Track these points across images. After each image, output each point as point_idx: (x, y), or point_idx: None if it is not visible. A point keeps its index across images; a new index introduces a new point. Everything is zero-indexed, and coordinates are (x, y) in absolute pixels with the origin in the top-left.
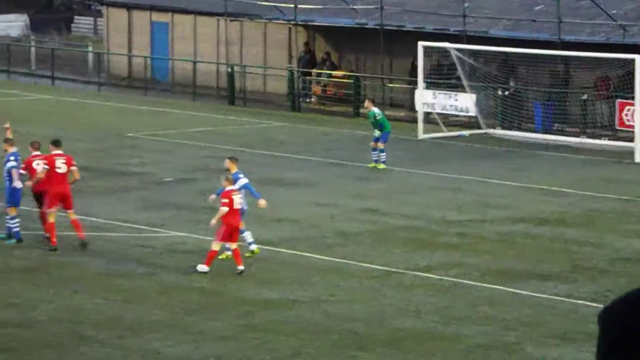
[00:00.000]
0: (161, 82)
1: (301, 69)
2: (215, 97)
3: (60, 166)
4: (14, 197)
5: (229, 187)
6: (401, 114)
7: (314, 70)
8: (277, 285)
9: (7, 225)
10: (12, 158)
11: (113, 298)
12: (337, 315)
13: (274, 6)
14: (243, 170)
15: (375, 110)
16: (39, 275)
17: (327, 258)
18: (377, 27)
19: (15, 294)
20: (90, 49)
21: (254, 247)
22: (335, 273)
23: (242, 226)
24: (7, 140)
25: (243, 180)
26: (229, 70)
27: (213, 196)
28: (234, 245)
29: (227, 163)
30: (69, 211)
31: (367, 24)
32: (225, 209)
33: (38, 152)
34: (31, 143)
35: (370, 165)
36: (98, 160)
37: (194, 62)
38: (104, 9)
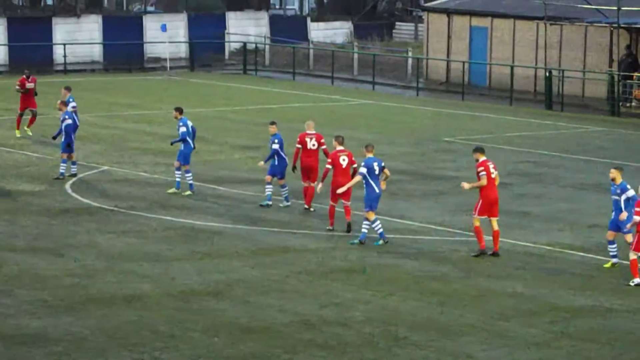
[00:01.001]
0: (478, 86)
1: (622, 73)
2: (533, 102)
3: (493, 172)
4: (371, 201)
5: None
6: None
7: (636, 74)
8: (592, 292)
9: (364, 230)
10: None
11: (428, 300)
12: None
13: (596, 9)
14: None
15: None
16: (356, 276)
17: None
18: None
19: (335, 293)
20: (409, 54)
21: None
22: None
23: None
24: (367, 147)
25: (631, 192)
26: (547, 74)
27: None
28: None
29: (614, 172)
30: (493, 219)
31: None
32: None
33: (342, 147)
34: (335, 137)
35: None
36: (415, 164)
37: (512, 67)
38: (424, 15)
